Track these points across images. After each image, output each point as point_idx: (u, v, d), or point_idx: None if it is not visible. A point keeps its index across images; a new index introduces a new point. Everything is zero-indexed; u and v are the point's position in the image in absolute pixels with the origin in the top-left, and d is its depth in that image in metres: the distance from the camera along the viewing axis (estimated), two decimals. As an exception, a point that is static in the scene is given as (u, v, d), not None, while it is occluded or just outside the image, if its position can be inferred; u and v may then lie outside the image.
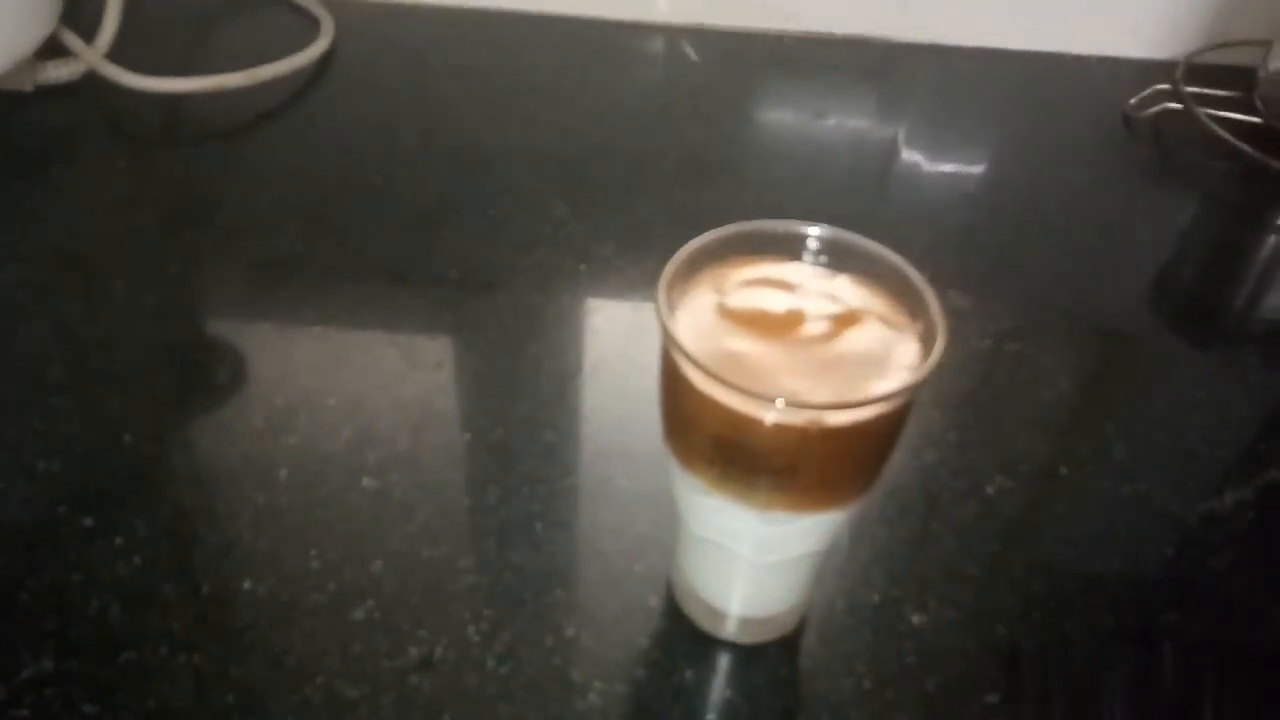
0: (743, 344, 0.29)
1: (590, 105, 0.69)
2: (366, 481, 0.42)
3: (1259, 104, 0.67)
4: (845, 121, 0.70)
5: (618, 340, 0.51)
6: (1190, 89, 0.68)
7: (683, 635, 0.37)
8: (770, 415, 0.27)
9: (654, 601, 0.38)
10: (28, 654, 0.35)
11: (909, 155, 0.66)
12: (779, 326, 0.30)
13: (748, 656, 0.37)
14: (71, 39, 0.63)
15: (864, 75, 0.74)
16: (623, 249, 0.55)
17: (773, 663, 0.37)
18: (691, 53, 0.75)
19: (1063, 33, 0.75)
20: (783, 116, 0.71)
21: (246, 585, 0.38)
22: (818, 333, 0.30)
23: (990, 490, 0.43)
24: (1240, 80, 0.69)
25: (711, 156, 0.65)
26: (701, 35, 0.75)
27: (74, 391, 0.46)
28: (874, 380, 0.29)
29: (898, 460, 0.44)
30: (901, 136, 0.67)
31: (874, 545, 0.41)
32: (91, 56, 0.62)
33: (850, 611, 0.39)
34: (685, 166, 0.63)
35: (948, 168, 0.65)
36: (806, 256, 0.33)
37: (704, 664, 0.37)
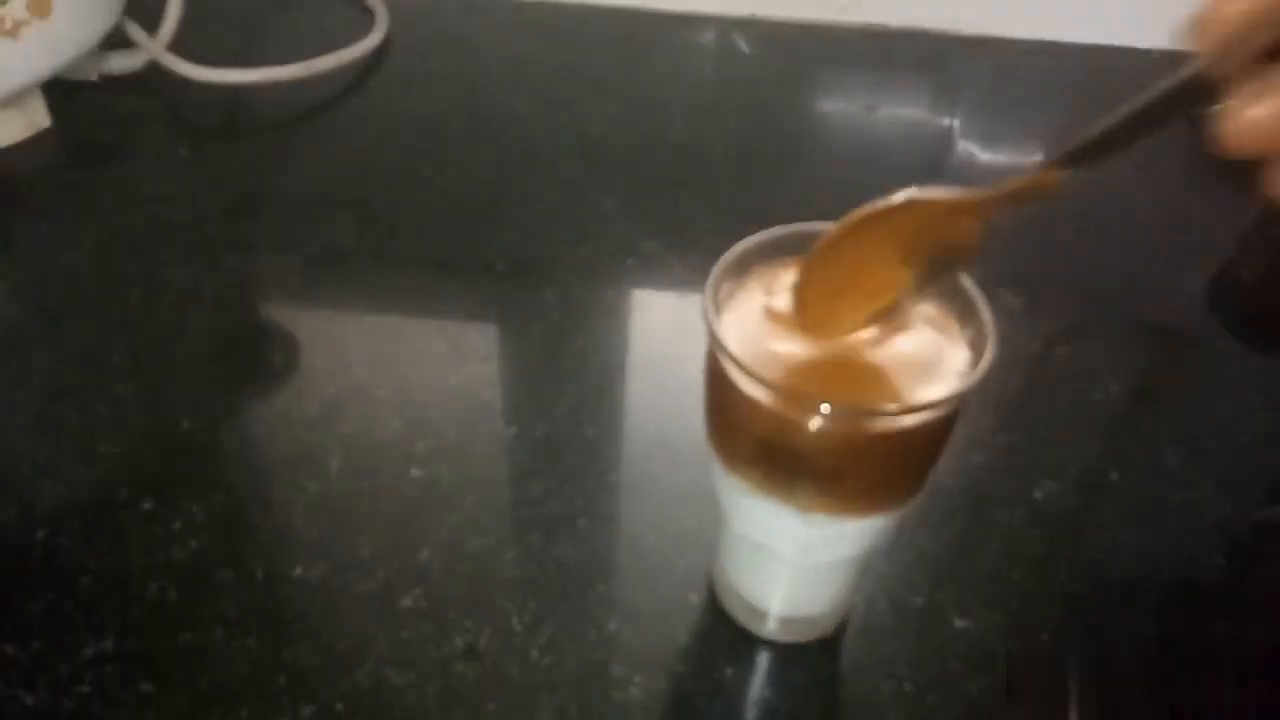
0: (789, 347, 0.29)
1: (641, 97, 0.69)
2: (415, 472, 0.43)
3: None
4: (898, 115, 0.69)
5: (663, 335, 0.51)
6: (1256, 84, 0.66)
7: (723, 632, 0.38)
8: (815, 420, 0.27)
9: (695, 598, 0.39)
10: (90, 634, 0.37)
11: (962, 150, 0.65)
12: (828, 329, 0.30)
13: (788, 655, 0.37)
14: (135, 30, 0.64)
15: (918, 68, 0.73)
16: (670, 244, 0.55)
17: (812, 662, 0.37)
18: (743, 44, 0.74)
19: (1125, 25, 0.73)
20: (835, 109, 0.70)
21: (298, 571, 0.39)
22: (865, 337, 0.30)
23: (1038, 495, 0.43)
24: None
25: (762, 150, 0.64)
26: (753, 27, 0.75)
27: (135, 378, 0.47)
28: (921, 386, 0.29)
29: (944, 463, 0.43)
30: (955, 131, 0.66)
31: (918, 547, 0.41)
32: (154, 48, 0.64)
33: (892, 613, 0.39)
34: (735, 160, 0.63)
35: (1002, 163, 0.64)
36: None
37: (744, 661, 0.37)
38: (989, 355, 0.28)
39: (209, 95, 0.65)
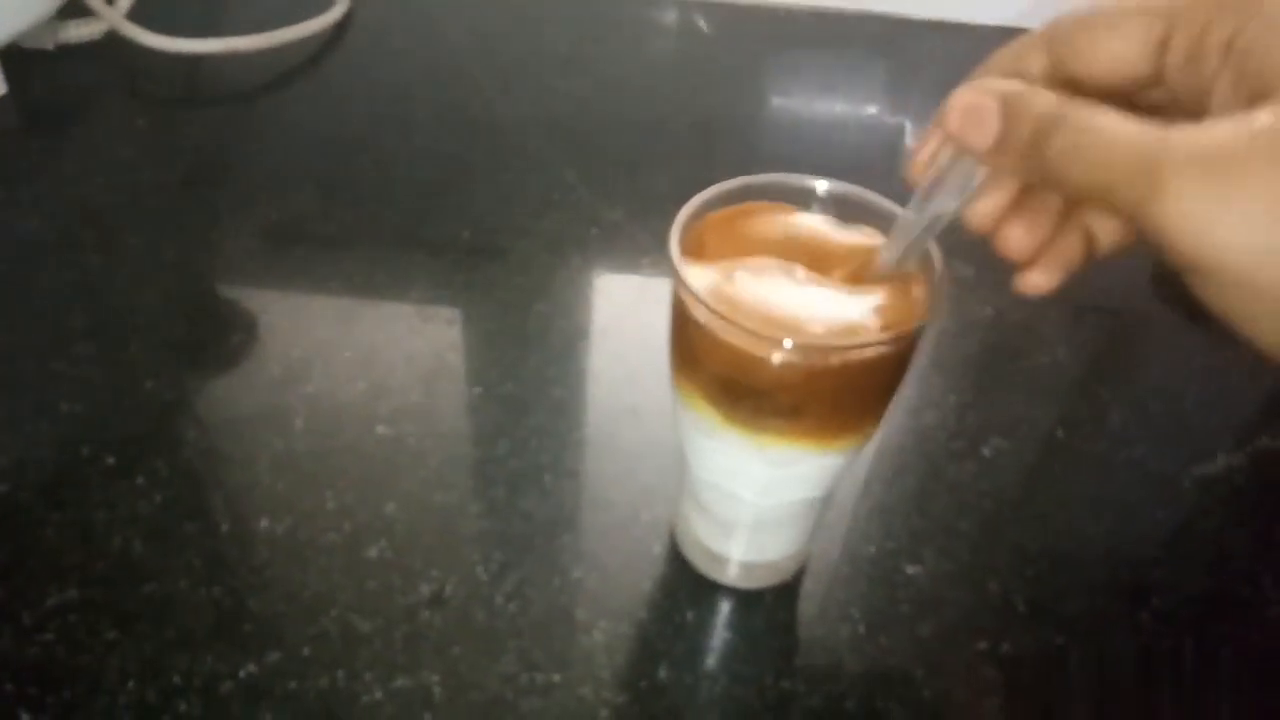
0: (751, 285, 0.30)
1: (603, 74, 0.69)
2: (381, 429, 0.43)
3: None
4: (854, 95, 0.70)
5: (626, 302, 0.52)
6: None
7: (685, 580, 0.39)
8: (776, 354, 0.28)
9: (658, 549, 0.40)
10: (53, 585, 0.37)
11: (917, 129, 0.67)
12: (787, 270, 0.31)
13: (747, 601, 0.38)
14: (93, -1, 0.64)
15: (873, 50, 0.75)
16: (632, 214, 0.56)
17: (771, 607, 0.38)
18: (704, 24, 0.75)
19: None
20: (792, 89, 0.71)
21: (264, 524, 0.39)
22: (825, 277, 0.31)
23: (987, 451, 0.44)
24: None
25: (721, 127, 0.65)
26: (714, 8, 0.76)
27: (95, 338, 0.47)
28: (878, 323, 0.30)
29: (898, 420, 0.45)
30: (909, 111, 0.68)
31: (872, 500, 0.42)
32: (112, 16, 0.63)
33: (848, 561, 0.40)
34: (695, 136, 0.64)
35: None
36: (816, 207, 0.33)
37: (705, 607, 0.38)
38: (940, 296, 0.29)
39: (169, 65, 0.64)
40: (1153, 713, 0.36)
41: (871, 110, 0.69)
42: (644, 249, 0.54)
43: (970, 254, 0.54)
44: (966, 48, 0.75)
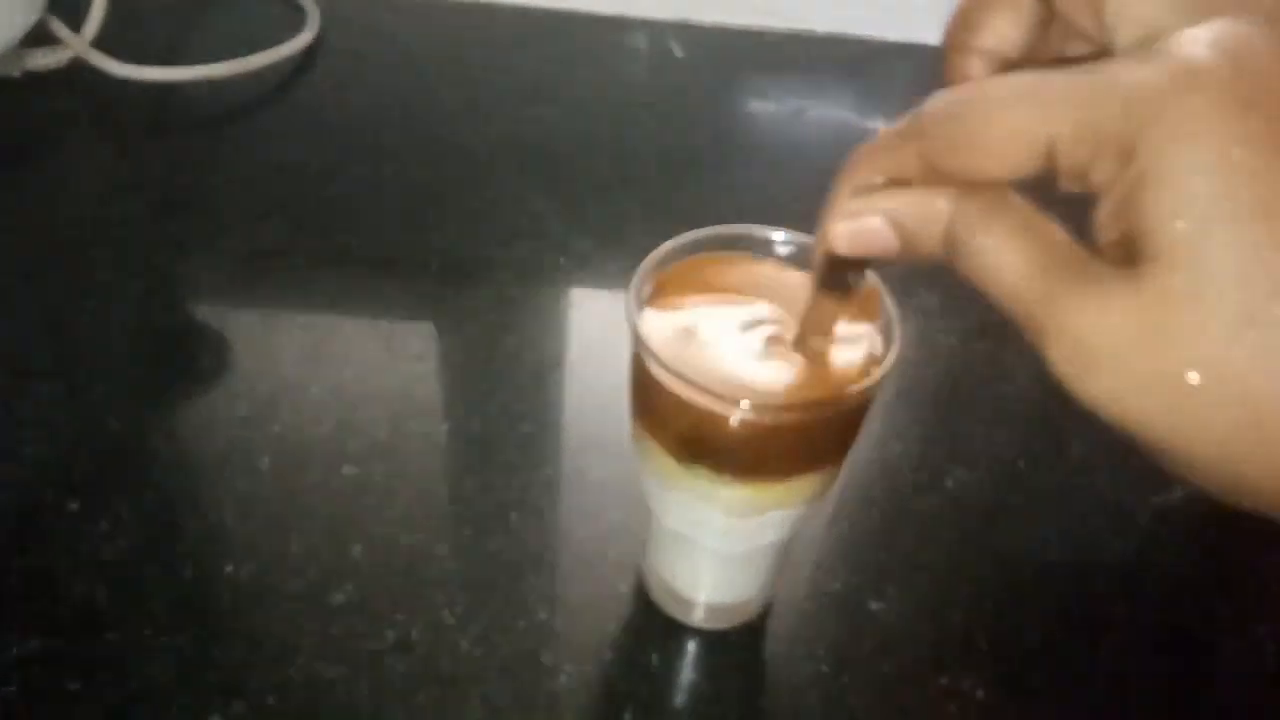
0: (709, 343, 0.31)
1: (573, 99, 0.70)
2: (347, 469, 0.43)
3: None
4: (826, 118, 0.71)
5: (595, 333, 0.52)
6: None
7: (651, 621, 0.39)
8: (735, 415, 0.28)
9: (624, 588, 0.40)
10: (14, 634, 0.36)
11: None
12: (746, 326, 0.31)
13: (713, 642, 0.39)
14: (59, 27, 0.63)
15: (844, 72, 0.75)
16: (602, 243, 0.56)
17: (737, 648, 0.39)
18: (676, 48, 0.76)
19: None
20: (764, 112, 0.72)
21: (229, 569, 0.39)
22: (784, 331, 0.31)
23: (950, 483, 0.45)
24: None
25: (692, 152, 0.66)
26: (686, 30, 0.76)
27: (60, 378, 0.47)
28: (838, 376, 0.30)
29: (862, 454, 0.46)
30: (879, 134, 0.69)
31: (837, 535, 0.42)
32: (78, 45, 0.63)
33: (812, 599, 0.40)
34: (666, 162, 0.65)
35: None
36: (774, 257, 0.34)
37: (671, 648, 0.38)
38: (894, 350, 0.30)
39: (136, 93, 0.64)
40: (1111, 747, 0.37)
41: (846, 132, 0.70)
42: (613, 279, 0.54)
43: (934, 283, 0.54)
44: (934, 69, 0.75)
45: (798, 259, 0.34)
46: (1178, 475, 0.19)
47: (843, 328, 0.31)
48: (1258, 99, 0.17)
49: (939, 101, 0.21)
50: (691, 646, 0.38)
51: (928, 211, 0.21)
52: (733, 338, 0.30)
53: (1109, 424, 0.19)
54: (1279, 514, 0.19)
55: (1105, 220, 0.20)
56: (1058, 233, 0.20)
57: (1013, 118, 0.20)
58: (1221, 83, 0.17)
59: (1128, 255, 0.19)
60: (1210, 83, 0.17)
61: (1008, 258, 0.20)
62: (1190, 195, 0.17)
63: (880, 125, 0.74)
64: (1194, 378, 0.18)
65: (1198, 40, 0.18)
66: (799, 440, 0.30)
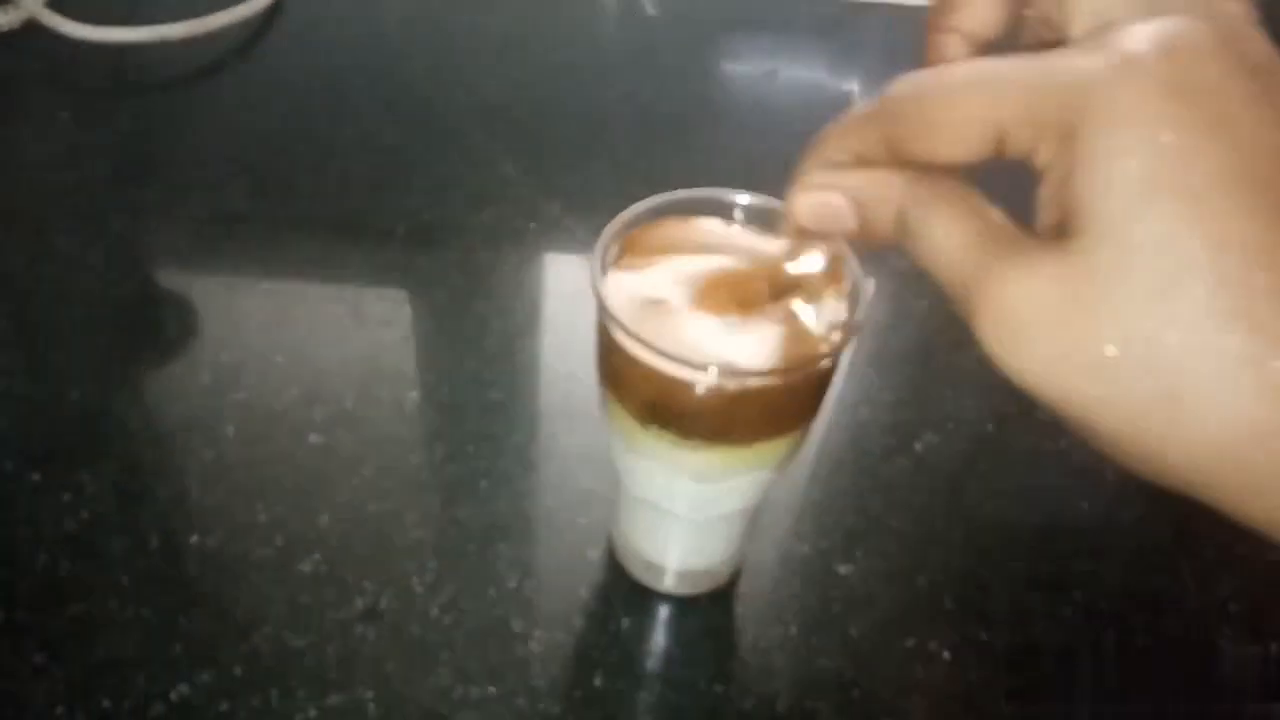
0: (675, 309, 0.30)
1: (544, 61, 0.69)
2: (314, 438, 0.43)
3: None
4: (798, 79, 0.70)
5: (565, 299, 0.51)
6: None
7: (621, 586, 0.39)
8: (701, 381, 0.28)
9: (594, 554, 0.40)
10: (-23, 607, 0.36)
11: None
12: (712, 290, 0.31)
13: (683, 607, 0.39)
14: (10, -15, 0.62)
15: (817, 33, 0.75)
16: (571, 207, 0.56)
17: (706, 612, 0.39)
18: (648, 5, 0.74)
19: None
20: (736, 73, 0.71)
21: (194, 539, 0.39)
22: (749, 295, 0.31)
23: (919, 447, 0.45)
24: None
25: (664, 114, 0.65)
26: (657, -10, 0.75)
27: (19, 347, 0.46)
28: (803, 341, 0.30)
29: (832, 418, 0.46)
30: (854, 94, 0.68)
31: (807, 499, 0.43)
32: (32, 4, 0.61)
33: (781, 563, 0.40)
34: (637, 124, 0.64)
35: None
36: (740, 221, 0.33)
37: (641, 614, 0.38)
38: (859, 315, 0.30)
39: (92, 54, 0.62)
40: (1076, 705, 0.37)
41: (819, 93, 0.69)
42: (583, 243, 0.54)
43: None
44: (907, 29, 0.75)
45: (764, 222, 0.33)
46: (1106, 454, 0.20)
47: (808, 293, 0.31)
48: (1188, 88, 0.18)
49: (903, 85, 0.22)
50: (661, 611, 0.39)
51: (883, 192, 0.22)
52: (698, 303, 0.30)
53: (1037, 401, 0.20)
54: (1196, 491, 0.19)
55: (1045, 202, 0.21)
56: (998, 216, 0.21)
57: (965, 103, 0.21)
58: (1156, 72, 0.18)
59: (1062, 235, 0.19)
60: (1145, 72, 0.18)
61: (948, 237, 0.21)
62: (1119, 174, 0.18)
63: (854, 86, 0.74)
64: (1111, 350, 0.18)
65: (1140, 34, 0.19)
66: (764, 406, 0.30)
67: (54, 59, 0.63)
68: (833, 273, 0.31)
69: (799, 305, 0.31)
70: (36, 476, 0.40)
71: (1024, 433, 0.46)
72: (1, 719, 0.33)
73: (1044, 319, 0.19)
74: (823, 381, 0.31)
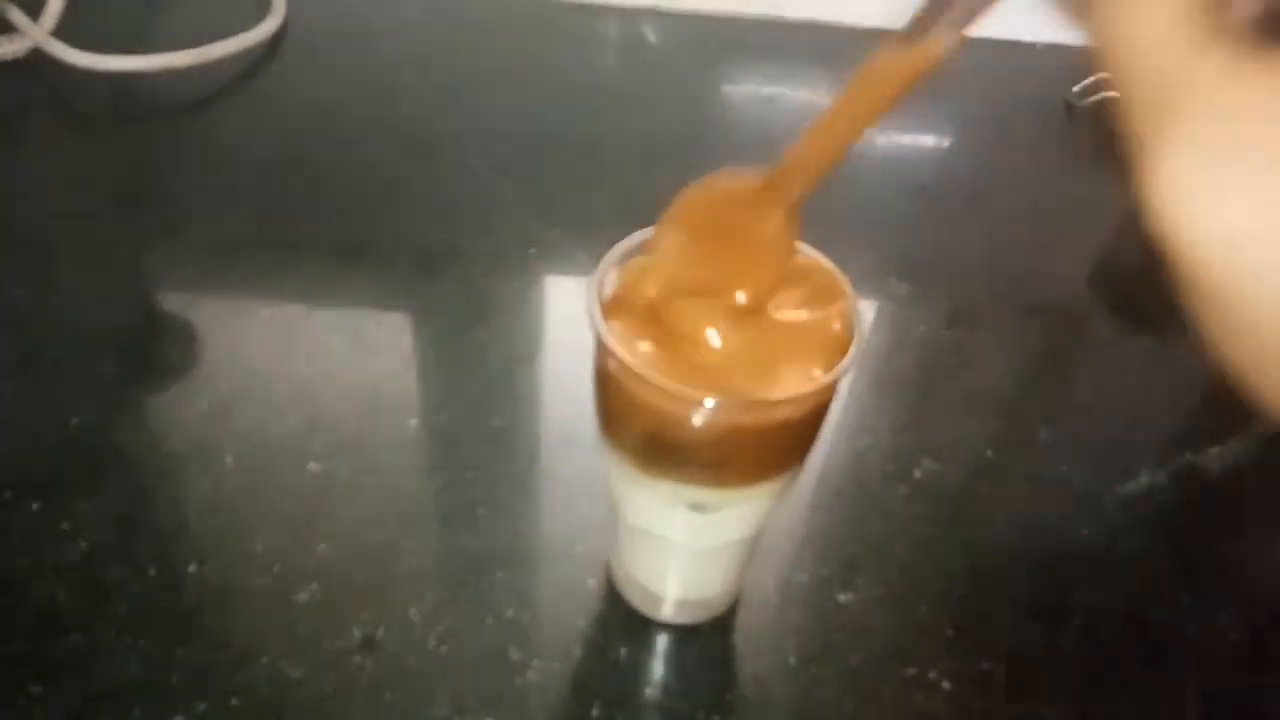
0: (673, 340, 0.30)
1: (545, 88, 0.69)
2: (313, 466, 0.43)
3: (1196, 94, 0.69)
4: (798, 105, 0.70)
5: (566, 325, 0.52)
6: (1130, 79, 0.69)
7: (620, 616, 0.39)
8: (699, 413, 0.28)
9: (593, 583, 0.40)
10: (-26, 637, 0.36)
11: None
12: (710, 322, 0.31)
13: (682, 636, 0.39)
14: (17, 15, 0.62)
15: (817, 59, 0.75)
16: (572, 233, 0.56)
17: (705, 642, 0.39)
18: (649, 34, 0.75)
19: (1020, 21, 0.76)
20: (737, 100, 0.71)
21: (192, 569, 0.39)
22: (747, 327, 0.31)
23: (919, 474, 0.45)
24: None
25: (665, 140, 0.65)
26: (658, 17, 0.76)
27: (21, 374, 0.46)
28: (802, 372, 0.30)
29: (831, 444, 0.46)
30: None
31: (806, 527, 0.42)
32: (37, 33, 0.62)
33: (781, 591, 0.40)
34: (638, 150, 0.64)
35: (893, 154, 0.67)
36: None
37: (639, 644, 0.38)
38: (856, 346, 0.30)
39: (97, 83, 0.63)
40: (1075, 735, 0.37)
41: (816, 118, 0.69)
42: (585, 270, 0.54)
43: (906, 273, 0.54)
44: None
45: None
46: (1257, 385, 0.15)
47: (809, 320, 0.31)
48: None
49: None
50: (660, 641, 0.38)
51: None
52: (698, 333, 0.30)
53: (1194, 296, 0.14)
54: None
55: None
56: None
57: None
58: None
59: None
60: None
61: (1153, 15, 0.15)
62: None
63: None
64: None
65: None
66: (764, 438, 0.30)
67: (58, 87, 0.64)
68: (831, 293, 0.31)
69: (800, 335, 0.31)
70: (36, 505, 0.40)
71: (1024, 459, 0.46)
72: (-3, 751, 0.33)
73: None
74: (822, 411, 0.31)
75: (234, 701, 0.35)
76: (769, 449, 0.31)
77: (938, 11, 0.24)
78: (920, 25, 0.24)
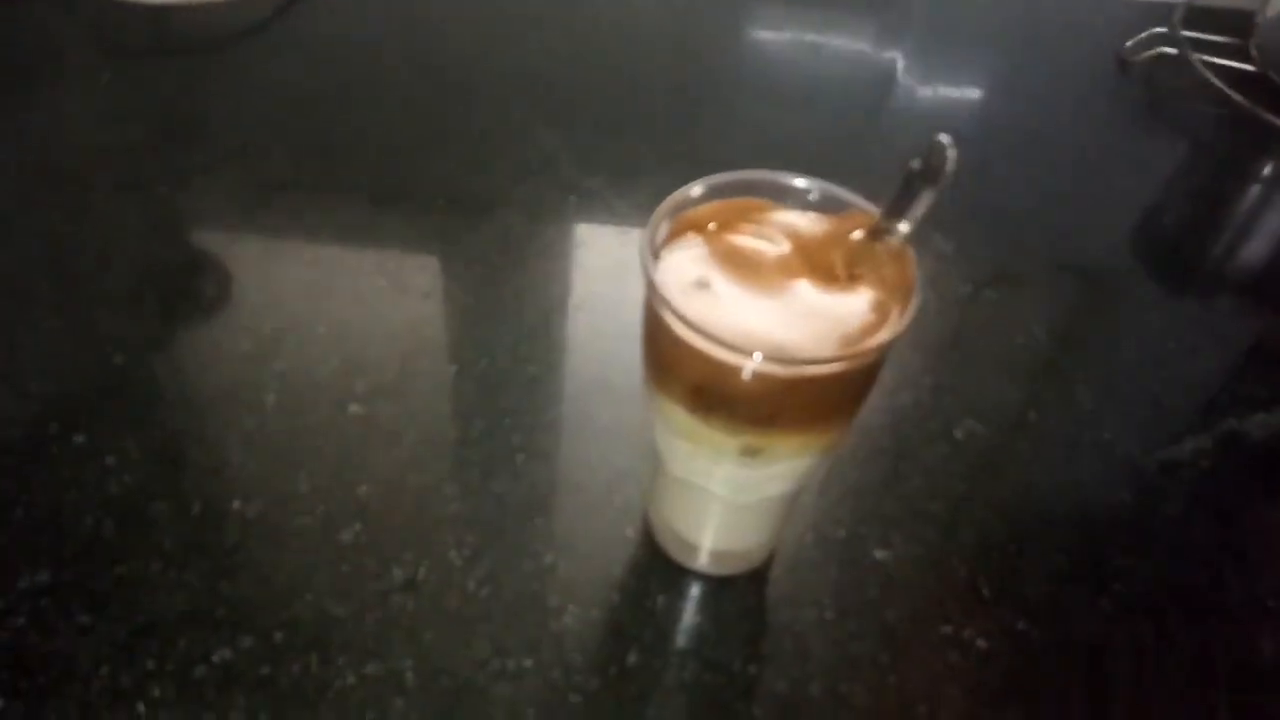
0: (725, 293, 0.30)
1: (586, 31, 0.68)
2: (354, 408, 0.43)
3: (1254, 51, 0.67)
4: (842, 53, 0.69)
5: (604, 274, 0.51)
6: (1188, 33, 0.67)
7: (656, 565, 0.39)
8: (749, 367, 0.28)
9: (630, 532, 0.40)
10: (24, 566, 0.37)
11: (901, 93, 0.66)
12: (762, 275, 0.31)
13: (718, 586, 0.39)
14: (53, -56, 0.61)
15: (861, 6, 0.73)
16: (613, 181, 0.55)
17: (741, 593, 0.39)
18: (688, -22, 0.73)
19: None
20: (778, 48, 0.70)
21: (236, 505, 0.39)
22: (799, 283, 0.31)
23: (959, 434, 0.44)
24: (1239, 25, 0.68)
25: (707, 85, 0.64)
26: (699, -40, 0.74)
27: (64, 311, 0.46)
28: (852, 330, 0.30)
29: (873, 402, 0.45)
30: (897, 73, 0.67)
31: (845, 483, 0.42)
32: (74, -36, 0.61)
33: (818, 546, 0.40)
34: (680, 96, 0.63)
35: (940, 106, 0.65)
36: (792, 206, 0.33)
37: (675, 592, 0.38)
38: (913, 304, 0.29)
39: (135, 15, 0.62)
40: (1110, 698, 0.37)
41: (862, 68, 0.68)
42: (623, 218, 0.54)
43: (951, 230, 0.53)
44: (957, 5, 0.73)
45: (819, 205, 0.33)
46: None
47: (877, 272, 0.31)
48: None
49: None
50: (696, 591, 0.39)
51: None
52: (750, 288, 0.30)
53: None
54: None
55: None
56: None
57: None
58: None
59: None
60: None
61: None
62: None
63: (898, 59, 0.72)
64: None
65: None
66: (815, 393, 0.29)
67: (98, 20, 0.63)
68: (899, 257, 0.31)
69: (852, 292, 0.30)
70: (81, 439, 0.41)
71: (1066, 422, 0.46)
72: (47, 676, 0.34)
73: None
74: (874, 370, 0.31)
75: (278, 637, 0.35)
76: (821, 405, 0.31)
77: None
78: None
